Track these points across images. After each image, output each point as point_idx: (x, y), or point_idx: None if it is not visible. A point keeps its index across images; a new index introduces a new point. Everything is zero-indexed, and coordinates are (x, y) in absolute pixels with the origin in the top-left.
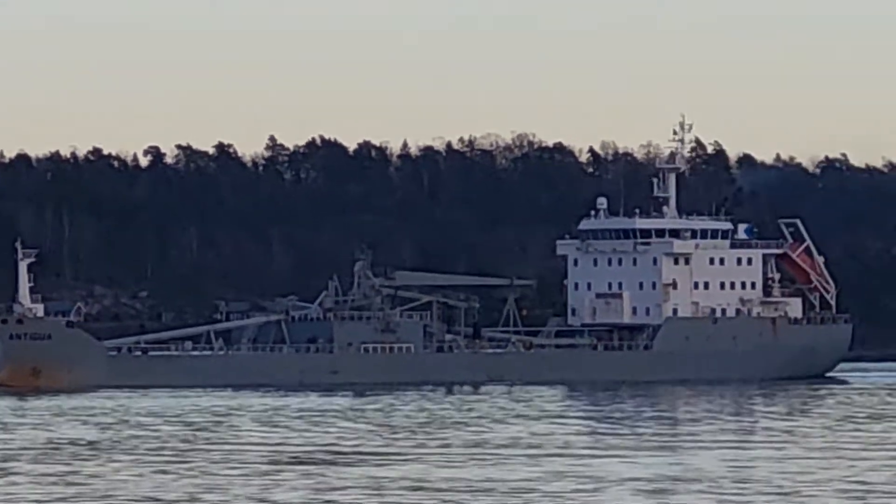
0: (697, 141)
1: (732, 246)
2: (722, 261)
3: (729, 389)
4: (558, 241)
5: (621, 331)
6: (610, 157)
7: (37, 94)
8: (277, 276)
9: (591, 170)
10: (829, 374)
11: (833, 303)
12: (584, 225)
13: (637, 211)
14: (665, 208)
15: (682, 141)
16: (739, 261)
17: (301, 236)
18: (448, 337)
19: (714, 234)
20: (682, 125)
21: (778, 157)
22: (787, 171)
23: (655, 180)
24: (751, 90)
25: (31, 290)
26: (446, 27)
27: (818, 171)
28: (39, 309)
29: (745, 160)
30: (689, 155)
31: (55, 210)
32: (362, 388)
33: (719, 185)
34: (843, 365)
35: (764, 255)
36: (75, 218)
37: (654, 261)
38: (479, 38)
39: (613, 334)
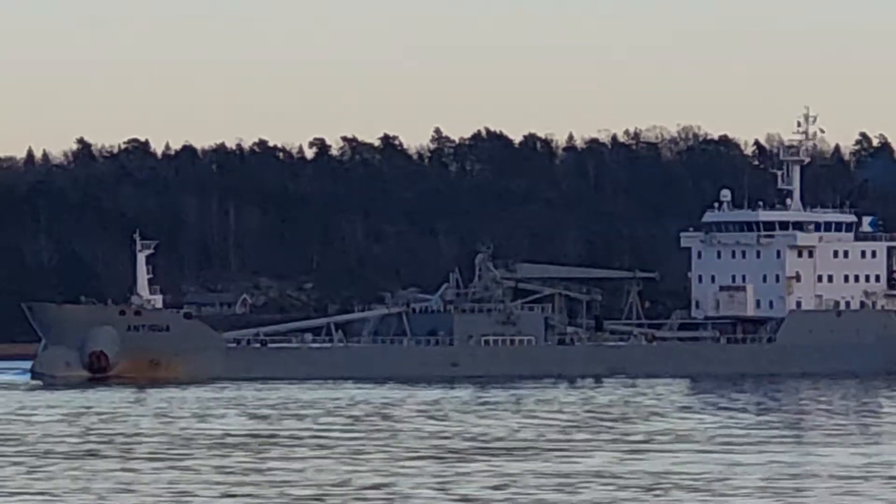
0: (863, 134)
1: (857, 238)
2: (846, 253)
3: (853, 383)
4: (682, 234)
5: (745, 324)
6: (776, 150)
7: (203, 86)
8: (444, 268)
9: (756, 162)
10: None
11: None
12: (708, 217)
13: (760, 203)
14: (789, 201)
15: (805, 133)
16: (864, 253)
17: (466, 228)
18: (569, 329)
19: (838, 226)
20: (806, 117)
21: None
22: None
23: (780, 173)
24: None
25: (150, 282)
26: (612, 19)
27: None
28: (158, 300)
29: None
30: (854, 147)
31: (220, 202)
32: (482, 381)
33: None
34: None
35: (888, 248)
36: (240, 209)
37: (778, 253)
38: (645, 30)
39: (737, 327)
